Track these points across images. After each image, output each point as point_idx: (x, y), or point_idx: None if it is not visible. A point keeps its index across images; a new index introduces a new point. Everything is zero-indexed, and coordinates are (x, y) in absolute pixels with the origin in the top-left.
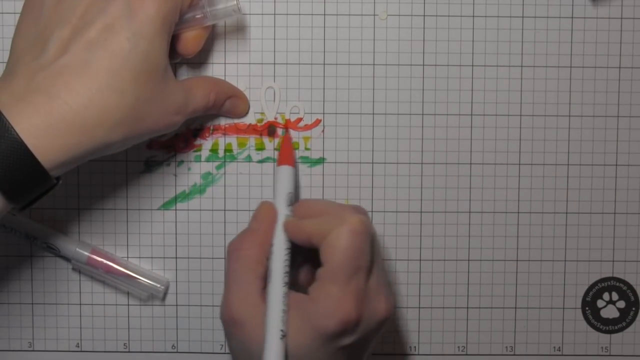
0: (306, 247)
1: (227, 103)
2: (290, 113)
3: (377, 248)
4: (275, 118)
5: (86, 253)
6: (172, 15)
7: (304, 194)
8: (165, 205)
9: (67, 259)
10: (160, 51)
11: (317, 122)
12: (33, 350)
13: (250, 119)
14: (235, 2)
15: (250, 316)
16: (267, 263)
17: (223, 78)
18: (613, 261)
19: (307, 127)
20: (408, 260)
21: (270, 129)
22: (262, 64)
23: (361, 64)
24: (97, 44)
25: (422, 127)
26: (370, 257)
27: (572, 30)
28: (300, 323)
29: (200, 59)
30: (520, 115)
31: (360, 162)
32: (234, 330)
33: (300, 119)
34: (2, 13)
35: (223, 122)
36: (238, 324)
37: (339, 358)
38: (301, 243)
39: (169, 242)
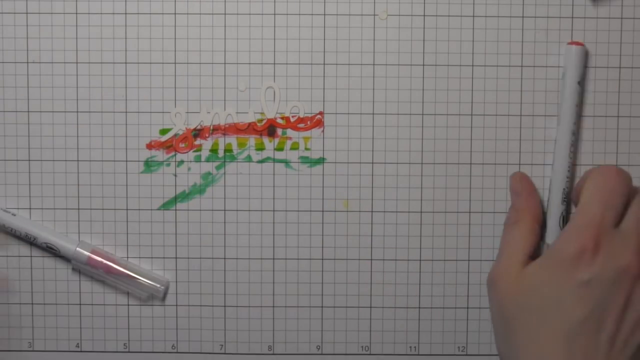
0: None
1: None
2: (290, 113)
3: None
4: (275, 118)
5: (86, 253)
6: None
7: (304, 194)
8: (165, 205)
9: (67, 259)
10: None
11: (318, 122)
12: (33, 351)
13: (250, 119)
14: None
15: (507, 276)
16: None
17: (223, 78)
18: None
19: (307, 128)
20: (408, 260)
21: (270, 129)
22: (262, 64)
23: (361, 64)
24: None
25: (422, 127)
26: (624, 203)
27: (572, 30)
28: (544, 259)
29: (200, 59)
30: (520, 116)
31: (360, 162)
32: (491, 292)
33: (300, 119)
34: (2, 13)
35: (223, 122)
36: (495, 283)
37: (577, 298)
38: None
39: (169, 242)
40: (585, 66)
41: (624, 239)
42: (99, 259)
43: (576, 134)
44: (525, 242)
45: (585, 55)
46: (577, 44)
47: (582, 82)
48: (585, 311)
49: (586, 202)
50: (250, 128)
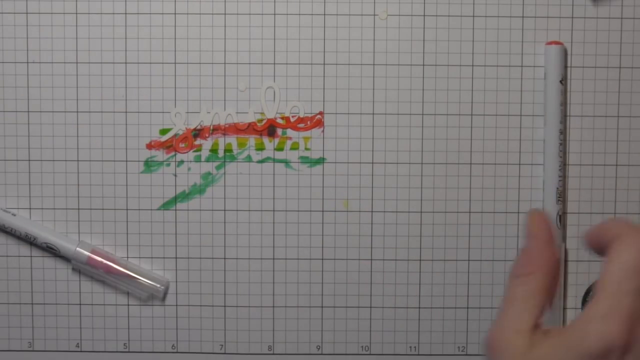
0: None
1: None
2: (290, 113)
3: None
4: (275, 118)
5: (86, 253)
6: None
7: (304, 194)
8: (165, 205)
9: (67, 259)
10: None
11: (318, 122)
12: (33, 351)
13: (250, 119)
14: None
15: (511, 348)
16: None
17: (223, 78)
18: None
19: (307, 128)
20: (408, 260)
21: (270, 129)
22: (262, 64)
23: (361, 64)
24: None
25: (422, 127)
26: None
27: (572, 30)
28: (559, 343)
29: (200, 59)
30: (520, 116)
31: (360, 162)
32: (490, 357)
33: (300, 119)
34: (2, 13)
35: (223, 122)
36: (495, 353)
37: None
38: (598, 251)
39: (169, 242)
40: (566, 65)
41: None
42: (99, 259)
43: (564, 132)
44: (534, 304)
45: (565, 54)
46: (557, 43)
47: (563, 81)
48: None
49: (614, 282)
50: (250, 128)
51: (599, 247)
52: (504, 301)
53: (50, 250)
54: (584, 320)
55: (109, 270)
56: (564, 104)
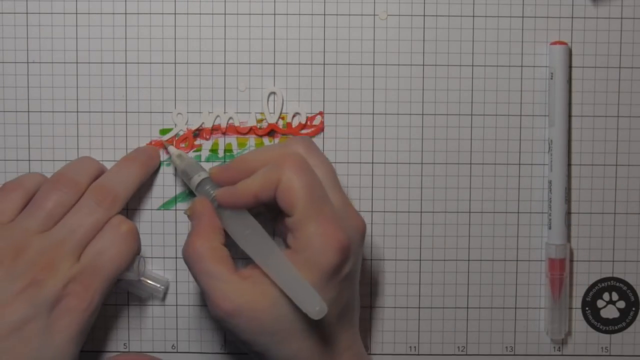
0: (254, 207)
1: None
2: (292, 119)
3: (324, 169)
4: (277, 122)
5: None
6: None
7: None
8: (165, 205)
9: None
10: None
11: (319, 128)
12: None
13: (251, 121)
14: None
15: (249, 302)
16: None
17: (223, 78)
18: (613, 261)
19: (310, 135)
20: (408, 260)
21: (270, 133)
22: (262, 64)
23: (361, 64)
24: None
25: (422, 127)
26: (321, 182)
27: (572, 30)
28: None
29: (200, 59)
30: (520, 116)
31: (360, 162)
32: (238, 321)
33: (302, 125)
34: (2, 13)
35: (223, 122)
36: (242, 311)
37: (343, 289)
38: (248, 205)
39: (169, 242)
40: (570, 65)
41: (342, 210)
42: None
43: (569, 133)
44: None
45: (570, 54)
46: (561, 43)
47: (570, 81)
48: None
49: (306, 204)
50: (251, 132)
51: (252, 200)
52: (200, 278)
53: None
54: (308, 247)
55: None
56: (570, 103)
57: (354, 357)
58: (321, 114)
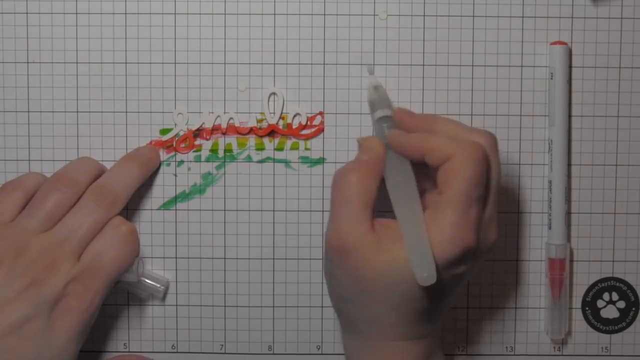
0: (416, 161)
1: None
2: (293, 118)
3: (494, 176)
4: (277, 123)
5: None
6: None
7: (304, 194)
8: (165, 205)
9: None
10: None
11: (319, 131)
12: None
13: (251, 121)
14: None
15: (362, 243)
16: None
17: (223, 78)
18: (613, 261)
19: (309, 135)
20: None
21: (271, 133)
22: (262, 64)
23: (361, 64)
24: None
25: None
26: (487, 185)
27: (572, 30)
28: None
29: (200, 59)
30: (520, 116)
31: None
32: (343, 258)
33: (302, 126)
34: (2, 13)
35: (224, 122)
36: (350, 250)
37: (451, 284)
38: (413, 157)
39: (169, 242)
40: (570, 65)
41: (488, 220)
42: None
43: (570, 133)
44: (370, 198)
45: (570, 54)
46: (561, 43)
47: (570, 81)
48: None
49: (462, 195)
50: (251, 132)
51: (418, 155)
52: (335, 203)
53: None
54: (439, 230)
55: None
56: (570, 103)
57: (428, 347)
58: (321, 114)
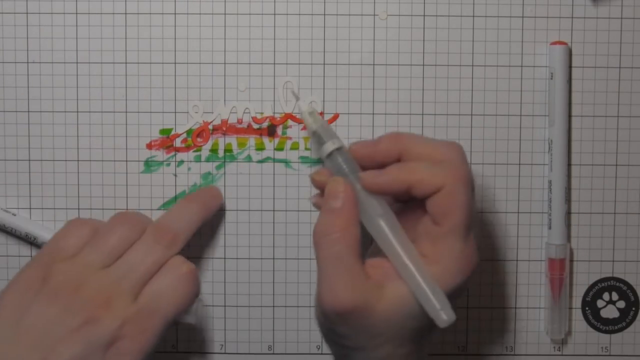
0: (390, 195)
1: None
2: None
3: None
4: (277, 117)
5: None
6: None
7: (304, 194)
8: (165, 205)
9: None
10: None
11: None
12: None
13: (250, 119)
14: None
15: (364, 298)
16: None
17: (223, 78)
18: (613, 261)
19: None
20: None
21: (270, 129)
22: (262, 64)
23: (361, 64)
24: None
25: (422, 127)
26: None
27: (572, 30)
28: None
29: (200, 59)
30: (520, 116)
31: None
32: (347, 316)
33: (304, 127)
34: (2, 13)
35: (239, 113)
36: (352, 309)
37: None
38: (394, 194)
39: None
40: (570, 65)
41: (474, 241)
42: None
43: (569, 133)
44: (357, 256)
45: (570, 54)
46: (561, 43)
47: (570, 81)
48: None
49: (462, 222)
50: (250, 128)
51: (402, 191)
52: (325, 264)
53: None
54: (445, 261)
55: None
56: (570, 103)
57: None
58: (321, 114)
